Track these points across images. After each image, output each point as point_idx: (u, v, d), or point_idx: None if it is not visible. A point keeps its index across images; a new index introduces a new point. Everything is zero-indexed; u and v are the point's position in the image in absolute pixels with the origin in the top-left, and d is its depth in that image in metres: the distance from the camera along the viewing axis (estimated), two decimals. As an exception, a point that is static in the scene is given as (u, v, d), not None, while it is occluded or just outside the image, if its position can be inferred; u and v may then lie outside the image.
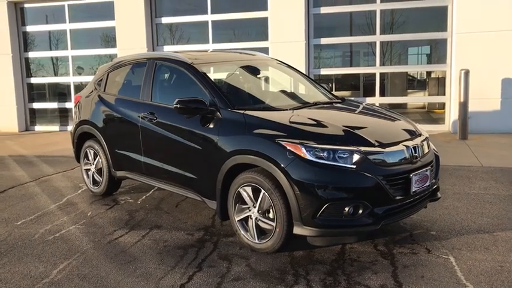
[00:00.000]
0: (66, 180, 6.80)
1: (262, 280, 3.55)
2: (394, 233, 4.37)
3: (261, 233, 3.96)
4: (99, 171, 5.75)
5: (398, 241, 4.18)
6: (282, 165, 3.69)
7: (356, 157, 3.68)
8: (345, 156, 3.67)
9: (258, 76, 5.49)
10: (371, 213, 3.67)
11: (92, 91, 5.96)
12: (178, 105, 4.29)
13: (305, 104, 4.77)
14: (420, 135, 4.24)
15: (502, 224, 4.55)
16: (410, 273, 3.58)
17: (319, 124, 4.03)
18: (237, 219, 4.10)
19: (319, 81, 10.74)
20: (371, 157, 3.72)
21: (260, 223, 3.94)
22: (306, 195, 3.62)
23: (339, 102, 5.00)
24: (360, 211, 3.65)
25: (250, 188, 3.94)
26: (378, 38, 10.26)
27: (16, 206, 5.66)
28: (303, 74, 5.58)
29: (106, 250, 4.21)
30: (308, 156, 3.65)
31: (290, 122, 4.03)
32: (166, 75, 5.14)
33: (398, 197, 3.77)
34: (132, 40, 11.00)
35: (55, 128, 12.42)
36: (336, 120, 4.27)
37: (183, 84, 4.83)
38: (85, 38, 12.26)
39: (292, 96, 5.23)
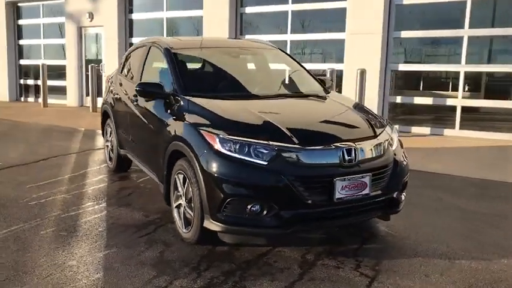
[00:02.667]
0: (101, 154, 7.32)
1: (159, 268, 3.50)
2: (343, 243, 4.00)
3: (188, 222, 3.89)
4: (112, 148, 6.12)
5: (336, 252, 3.80)
6: (198, 155, 3.59)
7: (268, 153, 3.42)
8: (257, 151, 3.43)
9: (243, 64, 5.33)
10: (277, 215, 3.38)
11: (115, 73, 6.33)
12: (137, 88, 4.39)
13: (266, 95, 4.52)
14: (374, 137, 3.74)
15: (467, 249, 3.85)
16: (323, 284, 3.25)
17: (249, 116, 3.79)
18: (173, 205, 4.08)
19: (399, 76, 10.08)
20: (286, 154, 3.41)
21: (186, 212, 3.89)
22: (212, 188, 3.48)
23: (314, 96, 4.63)
24: (265, 211, 3.39)
25: (182, 175, 3.89)
26: (466, 32, 9.13)
27: (40, 172, 6.26)
28: (301, 65, 5.24)
29: (59, 221, 4.48)
30: (220, 148, 3.48)
31: (221, 112, 3.87)
32: (154, 59, 5.24)
33: (315, 203, 3.40)
34: (215, 29, 11.30)
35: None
36: (275, 113, 3.99)
37: (161, 68, 4.90)
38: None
39: (265, 86, 4.96)
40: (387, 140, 3.84)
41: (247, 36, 11.42)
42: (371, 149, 3.68)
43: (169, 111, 4.23)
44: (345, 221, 3.79)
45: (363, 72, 9.03)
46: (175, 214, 4.05)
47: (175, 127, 4.03)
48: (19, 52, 16.18)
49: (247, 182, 3.40)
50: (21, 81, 16.11)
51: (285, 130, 3.56)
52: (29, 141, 8.71)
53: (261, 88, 4.80)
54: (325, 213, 3.54)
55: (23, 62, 16.16)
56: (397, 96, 10.01)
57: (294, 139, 3.49)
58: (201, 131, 3.63)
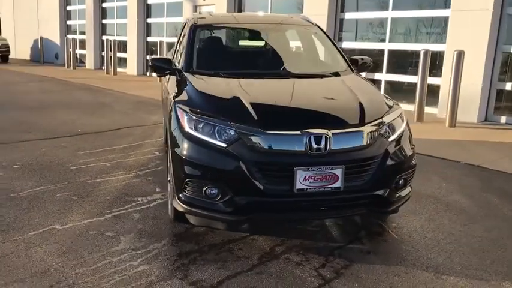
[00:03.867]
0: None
1: (126, 240, 3.57)
2: (327, 239, 3.68)
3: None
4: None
5: (311, 248, 3.51)
6: (171, 131, 3.57)
7: (229, 135, 3.24)
8: (219, 132, 3.28)
9: (268, 42, 5.06)
10: (231, 201, 3.21)
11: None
12: (150, 63, 4.46)
13: (274, 74, 4.25)
14: (359, 125, 3.32)
15: (468, 265, 3.26)
16: (240, 282, 3.04)
17: (224, 96, 3.62)
18: (168, 180, 4.13)
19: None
20: (246, 138, 3.20)
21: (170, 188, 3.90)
22: (176, 166, 3.42)
23: (328, 76, 4.24)
24: (219, 196, 3.23)
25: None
26: None
27: (103, 141, 6.75)
28: (334, 43, 4.83)
29: (79, 186, 4.80)
30: (185, 126, 3.40)
31: (202, 89, 3.76)
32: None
33: (273, 192, 3.15)
34: (316, 6, 10.95)
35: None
36: (260, 94, 3.78)
37: None
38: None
39: (280, 64, 4.63)
40: (378, 130, 3.37)
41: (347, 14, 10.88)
42: (351, 138, 3.26)
43: (173, 87, 4.23)
44: (310, 215, 3.46)
45: (460, 54, 7.97)
46: (169, 189, 4.07)
47: (169, 103, 4.03)
48: (147, 30, 17.26)
49: (205, 164, 3.26)
50: (148, 57, 16.84)
51: (252, 112, 3.34)
52: (121, 111, 9.41)
53: (274, 67, 4.52)
54: (285, 204, 3.26)
55: (150, 39, 17.14)
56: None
57: (258, 122, 3.24)
58: (177, 107, 3.57)
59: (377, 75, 10.37)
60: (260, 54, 4.98)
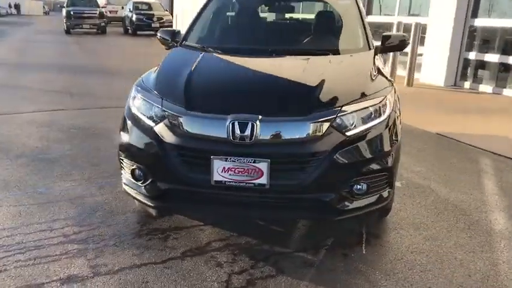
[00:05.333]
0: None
1: (84, 208, 3.58)
2: (291, 241, 3.19)
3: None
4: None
5: (256, 249, 3.09)
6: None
7: (157, 113, 2.99)
8: (148, 109, 3.04)
9: (286, 16, 4.50)
10: (154, 185, 2.96)
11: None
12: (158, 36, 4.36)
13: (273, 50, 3.74)
14: (305, 113, 2.78)
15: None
16: (138, 273, 2.80)
17: (180, 72, 3.31)
18: None
19: None
20: (172, 118, 2.91)
21: None
22: (119, 144, 3.28)
23: (331, 54, 3.62)
24: (143, 179, 3.02)
25: None
26: None
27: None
28: (363, 19, 4.10)
29: (103, 157, 4.92)
30: (131, 101, 3.25)
31: (167, 64, 3.53)
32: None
33: (192, 181, 2.83)
34: None
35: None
36: (211, 71, 3.44)
37: None
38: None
39: (287, 41, 4.05)
40: (331, 120, 2.76)
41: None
42: (287, 129, 2.74)
43: None
44: (231, 212, 3.00)
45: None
46: None
47: None
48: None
49: (132, 143, 3.04)
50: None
51: (183, 90, 3.01)
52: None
53: (279, 43, 4.02)
54: (203, 196, 2.88)
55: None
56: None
57: (185, 101, 2.92)
58: (134, 85, 3.40)
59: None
60: (269, 28, 4.50)
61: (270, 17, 4.56)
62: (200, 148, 2.78)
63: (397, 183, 4.08)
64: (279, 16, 4.66)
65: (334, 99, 2.88)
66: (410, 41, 9.57)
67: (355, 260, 2.95)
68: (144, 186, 2.99)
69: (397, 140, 3.01)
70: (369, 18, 12.28)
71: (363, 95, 2.96)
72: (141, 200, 3.04)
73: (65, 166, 4.50)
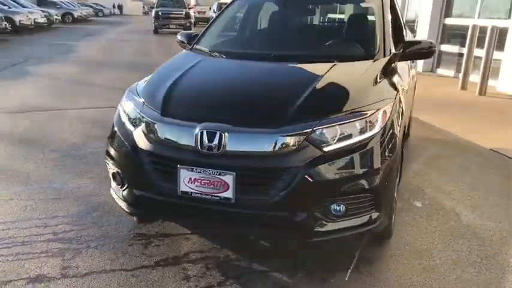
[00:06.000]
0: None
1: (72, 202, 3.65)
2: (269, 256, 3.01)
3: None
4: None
5: (223, 266, 2.96)
6: None
7: (136, 118, 2.97)
8: (131, 113, 3.03)
9: (309, 19, 4.25)
10: (129, 191, 2.94)
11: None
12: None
13: (277, 56, 3.55)
14: (272, 125, 2.59)
15: None
16: (101, 279, 2.79)
17: (171, 75, 3.26)
18: None
19: None
20: (148, 123, 2.87)
21: None
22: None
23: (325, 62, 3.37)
24: (121, 183, 3.01)
25: None
26: None
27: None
28: (384, 22, 3.77)
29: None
30: (119, 105, 3.26)
31: (165, 68, 3.49)
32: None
33: (162, 189, 2.77)
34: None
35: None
36: (200, 76, 3.33)
37: None
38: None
39: (300, 46, 3.81)
40: (306, 134, 2.56)
41: None
42: (256, 141, 2.58)
43: None
44: (199, 225, 2.88)
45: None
46: None
47: None
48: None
49: (114, 147, 3.04)
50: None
51: (162, 95, 2.95)
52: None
53: (284, 48, 3.83)
54: (171, 206, 2.79)
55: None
56: None
57: (161, 106, 2.86)
58: (134, 85, 3.41)
59: None
60: (279, 32, 4.27)
61: (285, 20, 4.34)
62: (168, 156, 2.70)
63: (418, 203, 3.75)
64: (293, 20, 4.43)
65: (314, 111, 2.66)
66: (485, 45, 8.81)
67: (332, 287, 2.70)
68: (122, 191, 2.96)
69: (389, 158, 2.72)
70: (447, 21, 11.55)
71: (351, 107, 2.70)
72: (120, 204, 3.02)
73: (89, 163, 4.63)
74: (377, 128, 2.68)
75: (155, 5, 26.04)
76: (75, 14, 35.01)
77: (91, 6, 46.66)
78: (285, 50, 3.76)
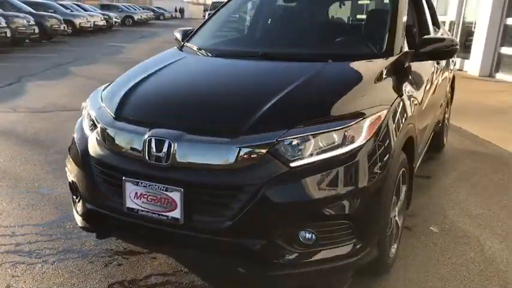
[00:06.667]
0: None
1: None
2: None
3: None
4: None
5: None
6: None
7: (92, 122, 2.66)
8: (90, 118, 2.72)
9: (318, 14, 3.76)
10: (83, 204, 2.63)
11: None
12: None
13: (272, 55, 3.10)
14: (230, 134, 2.18)
15: None
16: None
17: (139, 75, 2.92)
18: None
19: None
20: (100, 128, 2.54)
21: None
22: None
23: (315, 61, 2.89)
24: (75, 195, 2.71)
25: None
26: None
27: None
28: (395, 17, 3.24)
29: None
30: (83, 108, 2.97)
31: (139, 67, 3.16)
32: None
33: (110, 204, 2.43)
34: None
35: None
36: (171, 75, 2.98)
37: None
38: None
39: (300, 44, 3.33)
40: (269, 145, 2.13)
41: None
42: (211, 152, 2.18)
43: None
44: (149, 246, 2.50)
45: None
46: None
47: None
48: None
49: (71, 155, 2.73)
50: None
51: (119, 96, 2.61)
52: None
53: (277, 45, 3.39)
54: (120, 223, 2.44)
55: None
56: None
57: (114, 108, 2.53)
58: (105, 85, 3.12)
59: None
60: (274, 28, 3.83)
61: (281, 17, 3.89)
62: (114, 166, 2.35)
63: (433, 228, 3.20)
64: (290, 16, 3.95)
65: (282, 119, 2.22)
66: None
67: None
68: (77, 203, 2.65)
69: (379, 176, 2.23)
70: (509, 21, 10.57)
71: (329, 115, 2.24)
72: (75, 217, 2.70)
73: (87, 167, 4.38)
74: (361, 140, 2.20)
75: (209, 8, 26.16)
76: (135, 17, 35.95)
77: (153, 10, 47.90)
78: (276, 47, 3.32)
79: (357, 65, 2.81)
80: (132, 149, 2.30)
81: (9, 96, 7.58)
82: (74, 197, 2.67)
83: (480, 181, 4.23)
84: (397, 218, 2.74)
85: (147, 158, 2.23)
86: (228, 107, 2.40)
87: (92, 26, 23.86)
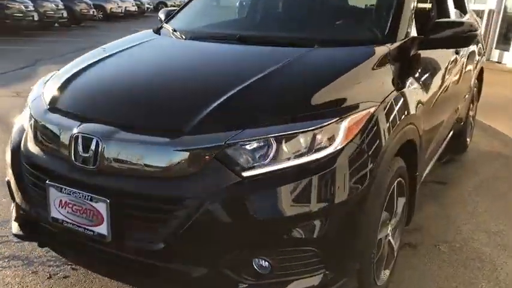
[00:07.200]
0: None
1: None
2: None
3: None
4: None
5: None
6: None
7: (28, 114, 2.29)
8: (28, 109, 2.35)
9: None
10: (16, 207, 2.26)
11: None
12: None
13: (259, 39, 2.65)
14: (170, 133, 1.77)
15: None
16: None
17: (93, 62, 2.52)
18: None
19: None
20: (33, 121, 2.17)
21: None
22: None
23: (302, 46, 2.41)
24: (12, 198, 2.34)
25: None
26: None
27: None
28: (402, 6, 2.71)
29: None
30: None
31: (99, 50, 2.75)
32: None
33: (34, 211, 2.06)
34: None
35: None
36: (130, 64, 2.53)
37: None
38: None
39: (297, 28, 2.83)
40: (217, 152, 1.70)
41: None
42: (145, 154, 1.76)
43: None
44: (76, 262, 2.09)
45: None
46: None
47: None
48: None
49: (8, 151, 2.34)
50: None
51: (58, 86, 2.24)
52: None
53: (266, 29, 2.93)
54: (47, 233, 2.06)
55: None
56: None
57: (50, 99, 2.15)
58: None
59: None
60: (266, 10, 3.35)
61: None
62: (40, 166, 1.97)
63: (443, 247, 2.76)
64: None
65: (235, 118, 1.78)
66: None
67: None
68: (14, 206, 2.28)
69: (360, 190, 1.78)
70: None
71: (296, 114, 1.78)
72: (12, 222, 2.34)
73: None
74: (337, 145, 1.74)
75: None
76: (169, 3, 35.75)
77: (187, -4, 47.67)
78: (258, 30, 2.87)
79: (347, 52, 2.32)
80: (60, 147, 1.91)
81: (16, 80, 7.37)
82: (11, 198, 2.30)
83: (504, 190, 3.67)
84: (390, 238, 2.27)
85: (73, 159, 1.83)
86: (176, 101, 1.97)
87: (122, 11, 23.74)
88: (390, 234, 2.26)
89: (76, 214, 1.83)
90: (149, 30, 3.07)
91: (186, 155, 1.70)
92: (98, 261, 1.96)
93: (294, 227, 1.70)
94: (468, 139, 4.45)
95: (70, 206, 1.84)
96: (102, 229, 1.78)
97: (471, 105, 4.35)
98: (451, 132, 3.72)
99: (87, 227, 1.82)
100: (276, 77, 2.03)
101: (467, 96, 3.96)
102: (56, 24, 16.61)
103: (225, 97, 1.85)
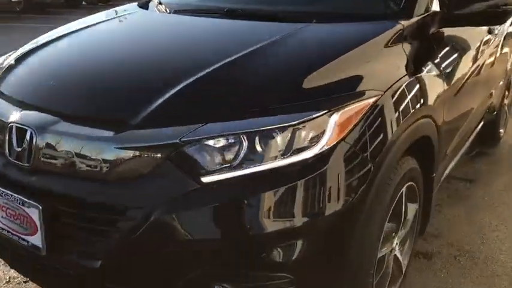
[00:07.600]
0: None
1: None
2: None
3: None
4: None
5: None
6: None
7: None
8: None
9: None
10: None
11: None
12: None
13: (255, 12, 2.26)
14: (118, 126, 1.43)
15: None
16: None
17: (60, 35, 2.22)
18: None
19: None
20: None
21: None
22: None
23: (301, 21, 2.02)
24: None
25: None
26: None
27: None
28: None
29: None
30: None
31: (71, 24, 2.44)
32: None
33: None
34: None
35: None
36: (110, 41, 2.21)
37: None
38: None
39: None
40: (171, 152, 1.36)
41: None
42: (84, 153, 1.44)
43: None
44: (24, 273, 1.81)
45: None
46: None
47: None
48: None
49: None
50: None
51: (6, 66, 1.93)
52: None
53: (262, 2, 2.53)
54: None
55: None
56: None
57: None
58: None
59: None
60: None
61: None
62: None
63: (462, 258, 2.35)
64: None
65: (196, 109, 1.43)
66: None
67: None
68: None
69: (353, 200, 1.43)
70: None
71: (276, 105, 1.42)
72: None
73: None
74: (323, 144, 1.38)
75: None
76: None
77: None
78: (249, 3, 2.47)
79: (350, 29, 1.93)
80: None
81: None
82: None
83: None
84: (396, 253, 1.90)
85: (7, 153, 1.52)
86: (130, 86, 1.63)
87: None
88: (397, 248, 1.89)
89: (10, 219, 1.54)
90: (134, 3, 2.74)
91: (129, 154, 1.37)
92: (37, 274, 1.67)
93: (264, 248, 1.36)
94: (502, 130, 3.98)
95: (4, 209, 1.55)
96: (37, 240, 1.48)
97: (506, 93, 3.88)
98: (482, 123, 3.29)
99: (21, 236, 1.52)
100: (256, 59, 1.66)
101: (501, 82, 3.50)
102: (84, 3, 16.56)
103: (186, 82, 1.50)
